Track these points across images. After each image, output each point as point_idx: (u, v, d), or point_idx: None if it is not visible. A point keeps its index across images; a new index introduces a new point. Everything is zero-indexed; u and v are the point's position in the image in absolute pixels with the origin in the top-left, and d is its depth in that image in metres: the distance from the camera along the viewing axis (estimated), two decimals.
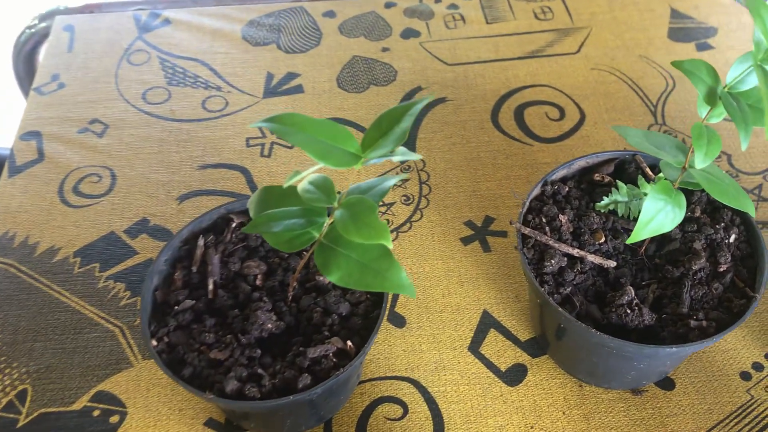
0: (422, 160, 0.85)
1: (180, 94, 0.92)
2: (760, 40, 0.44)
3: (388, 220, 0.80)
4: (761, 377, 0.67)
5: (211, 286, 0.61)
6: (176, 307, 0.60)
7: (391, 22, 1.00)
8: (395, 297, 0.74)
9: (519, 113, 0.89)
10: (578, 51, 0.95)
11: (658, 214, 0.52)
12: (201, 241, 0.63)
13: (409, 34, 0.99)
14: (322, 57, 0.96)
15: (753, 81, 0.47)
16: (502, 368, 0.69)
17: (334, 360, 0.56)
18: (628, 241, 0.53)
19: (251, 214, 0.51)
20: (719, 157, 0.83)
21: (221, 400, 0.54)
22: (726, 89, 0.47)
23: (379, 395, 0.67)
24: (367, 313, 0.60)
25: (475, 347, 0.70)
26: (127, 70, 0.95)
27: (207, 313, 0.60)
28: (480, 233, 0.78)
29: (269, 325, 0.58)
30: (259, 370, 0.56)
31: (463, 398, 0.67)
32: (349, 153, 0.44)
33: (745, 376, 0.67)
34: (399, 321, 0.72)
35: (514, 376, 0.68)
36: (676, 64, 0.47)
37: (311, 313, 0.59)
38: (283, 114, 0.42)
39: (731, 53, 0.94)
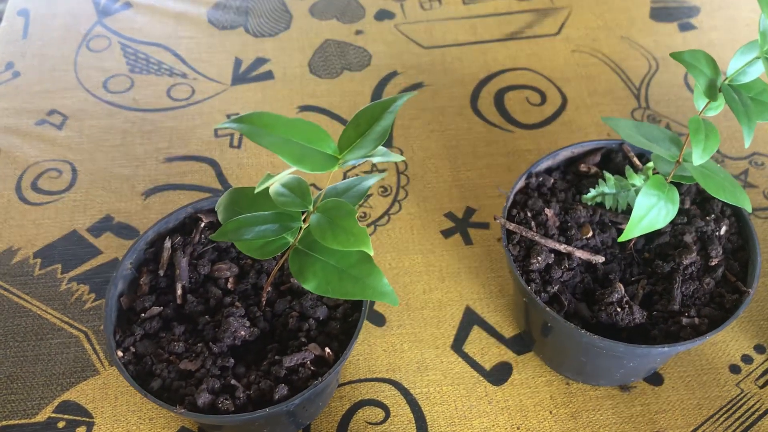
0: (399, 149, 0.81)
1: (143, 82, 0.88)
2: (767, 29, 0.41)
3: (365, 213, 0.76)
4: (751, 370, 0.65)
5: (179, 291, 0.58)
6: (143, 315, 0.57)
7: (365, 4, 0.96)
8: None
9: (499, 98, 0.86)
10: (558, 32, 0.92)
11: (650, 211, 0.49)
12: (168, 243, 0.60)
13: (383, 15, 0.95)
14: (292, 41, 0.92)
15: (755, 72, 0.44)
16: (487, 367, 0.66)
17: (312, 368, 0.53)
18: (620, 239, 0.50)
19: (220, 218, 0.48)
20: None
21: (193, 415, 0.51)
22: (727, 81, 0.44)
23: (360, 398, 0.64)
24: (345, 317, 0.57)
25: (458, 345, 0.67)
26: (87, 57, 0.90)
27: (176, 320, 0.57)
28: (461, 225, 0.75)
29: (242, 332, 0.55)
30: (233, 381, 0.53)
31: (447, 399, 0.64)
32: (325, 155, 0.40)
33: (735, 369, 0.66)
34: (379, 320, 0.69)
35: (499, 374, 0.66)
36: (675, 56, 0.44)
37: (287, 318, 0.56)
38: (253, 114, 0.38)
39: (715, 33, 0.92)
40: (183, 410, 0.51)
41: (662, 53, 0.89)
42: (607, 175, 0.60)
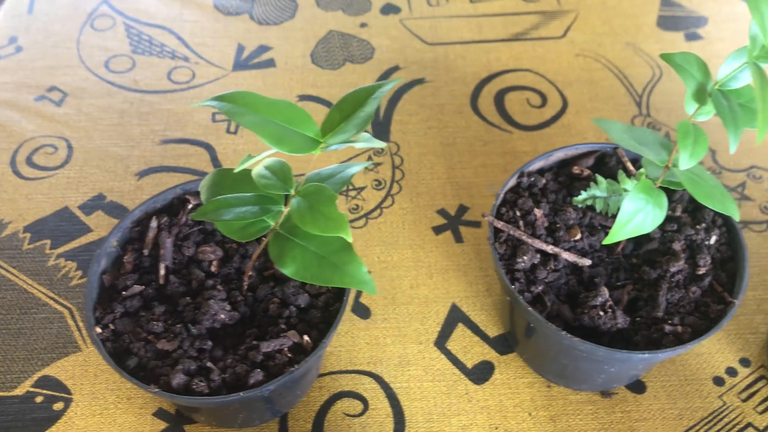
0: (396, 144, 0.81)
1: (145, 63, 0.88)
2: (756, 35, 0.41)
3: (357, 205, 0.76)
4: (735, 383, 0.65)
5: (162, 271, 0.58)
6: (124, 293, 0.56)
7: None
8: None
9: (499, 98, 0.85)
10: (564, 35, 0.92)
11: (637, 215, 0.49)
12: (154, 223, 0.59)
13: (389, 9, 0.94)
14: (296, 30, 0.92)
15: (746, 78, 0.43)
16: (469, 365, 0.66)
17: (289, 355, 0.53)
18: (605, 242, 0.50)
19: (202, 198, 0.47)
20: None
21: (166, 395, 0.51)
22: (717, 86, 0.44)
23: (339, 389, 0.64)
24: (327, 306, 0.56)
25: (441, 342, 0.67)
26: (90, 35, 0.90)
27: (157, 300, 0.57)
28: (453, 222, 0.75)
29: (222, 316, 0.54)
30: (209, 364, 0.52)
31: (427, 395, 0.64)
32: (307, 138, 0.40)
33: (719, 381, 0.65)
34: (364, 312, 0.69)
35: (481, 373, 0.65)
36: (665, 57, 0.44)
37: (268, 304, 0.56)
38: (235, 92, 0.38)
39: (721, 45, 0.91)
40: (157, 389, 0.51)
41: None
42: (600, 178, 0.60)
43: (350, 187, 0.78)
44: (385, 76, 0.87)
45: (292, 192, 0.43)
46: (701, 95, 0.43)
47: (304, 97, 0.85)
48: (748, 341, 0.67)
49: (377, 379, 0.65)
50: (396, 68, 0.88)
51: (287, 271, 0.45)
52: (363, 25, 0.93)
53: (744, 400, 0.64)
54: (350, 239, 0.41)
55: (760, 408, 0.63)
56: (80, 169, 0.78)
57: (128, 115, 0.83)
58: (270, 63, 0.88)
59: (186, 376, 0.52)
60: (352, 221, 0.75)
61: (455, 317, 0.69)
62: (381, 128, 0.82)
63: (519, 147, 0.81)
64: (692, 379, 0.65)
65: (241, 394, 0.50)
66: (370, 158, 0.80)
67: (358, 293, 0.70)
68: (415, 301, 0.70)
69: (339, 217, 0.41)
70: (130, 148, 0.80)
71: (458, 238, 0.74)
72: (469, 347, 0.67)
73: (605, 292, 0.55)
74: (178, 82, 0.86)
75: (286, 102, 0.40)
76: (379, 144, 0.40)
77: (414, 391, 0.64)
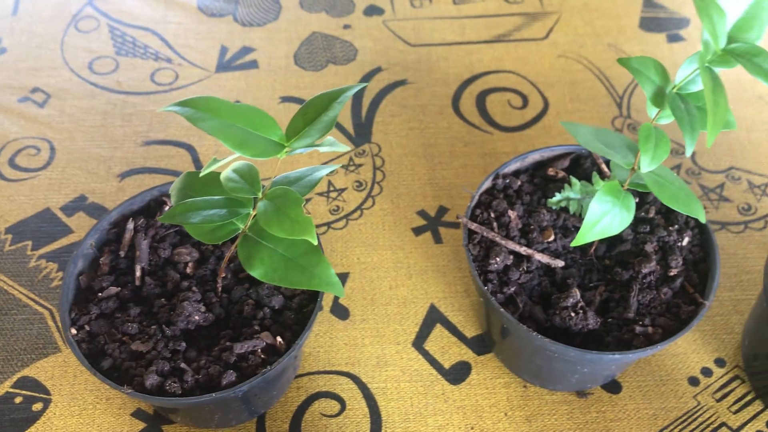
0: (377, 145, 0.81)
1: (128, 64, 0.88)
2: (708, 41, 0.41)
3: (338, 207, 0.76)
4: (709, 383, 0.65)
5: (138, 273, 0.58)
6: (100, 294, 0.57)
7: None
8: None
9: (481, 99, 0.86)
10: (546, 37, 0.92)
11: (604, 217, 0.49)
12: (130, 225, 0.60)
13: (372, 11, 0.95)
14: (280, 32, 0.92)
15: None
16: (446, 365, 0.66)
17: (263, 356, 0.53)
18: (573, 244, 0.50)
19: (173, 201, 0.48)
20: (682, 153, 0.81)
21: (140, 395, 0.51)
22: (675, 90, 0.44)
23: (317, 390, 0.64)
24: (301, 307, 0.57)
25: (419, 342, 0.68)
26: (74, 37, 0.91)
27: (133, 302, 0.57)
28: (432, 224, 0.75)
29: (196, 317, 0.55)
30: (182, 365, 0.53)
31: (404, 395, 0.64)
32: (271, 142, 0.40)
33: (694, 381, 0.65)
34: (342, 313, 0.69)
35: (458, 374, 0.66)
36: (622, 62, 0.44)
37: (242, 306, 0.56)
38: (197, 97, 0.38)
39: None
40: (130, 390, 0.51)
41: None
42: (574, 180, 0.60)
43: (331, 188, 0.78)
44: (368, 77, 0.87)
45: (260, 195, 0.44)
46: (659, 99, 0.44)
47: (286, 99, 0.85)
48: (723, 342, 0.68)
49: (355, 379, 0.65)
50: (378, 70, 0.88)
51: (255, 273, 0.45)
52: (346, 26, 0.93)
53: (718, 400, 0.64)
54: (315, 242, 0.41)
55: (734, 408, 0.64)
56: (62, 170, 0.79)
57: (111, 116, 0.83)
58: (253, 64, 0.88)
59: (159, 377, 0.52)
60: (332, 222, 0.75)
61: (433, 318, 0.69)
62: (363, 129, 0.83)
63: (499, 148, 0.81)
64: (667, 380, 0.65)
65: (214, 395, 0.51)
66: (351, 159, 0.80)
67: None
68: (394, 301, 0.70)
69: (305, 220, 0.41)
70: (112, 149, 0.80)
71: (437, 239, 0.74)
72: (446, 348, 0.67)
73: (576, 293, 0.56)
74: (161, 83, 0.86)
75: (250, 106, 0.40)
76: (343, 148, 0.40)
77: (391, 391, 0.65)
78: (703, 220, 0.50)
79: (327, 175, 0.78)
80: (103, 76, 0.87)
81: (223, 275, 0.56)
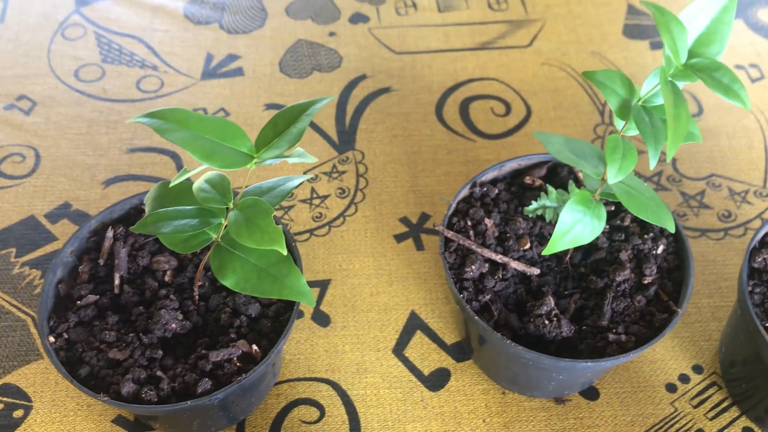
0: (361, 152, 0.82)
1: (114, 72, 0.88)
2: (669, 55, 0.42)
3: (321, 214, 0.77)
4: (687, 389, 0.66)
5: (117, 281, 0.58)
6: (79, 302, 0.57)
7: (341, 6, 0.97)
8: (321, 294, 0.71)
9: (464, 107, 0.86)
10: (530, 44, 0.93)
11: (575, 226, 0.50)
12: (110, 233, 0.60)
13: (358, 19, 0.95)
14: (265, 39, 0.93)
15: None
16: (425, 372, 0.67)
17: (238, 364, 0.54)
18: (544, 252, 0.51)
19: (147, 210, 0.48)
20: (663, 160, 0.81)
21: (115, 403, 0.52)
22: (640, 102, 0.45)
23: (296, 397, 0.65)
24: (278, 315, 0.57)
25: (399, 349, 0.68)
26: (61, 44, 0.91)
27: (111, 310, 0.58)
28: (414, 230, 0.76)
29: (173, 325, 0.55)
30: (159, 373, 0.53)
31: (383, 402, 0.65)
32: (240, 153, 0.41)
33: (671, 388, 0.66)
34: (323, 320, 0.70)
35: (437, 380, 0.66)
36: (587, 75, 0.45)
37: (219, 314, 0.57)
38: (165, 109, 0.39)
39: None
40: (106, 398, 0.52)
41: (631, 70, 0.90)
42: (550, 188, 0.61)
43: (314, 195, 0.78)
44: (352, 84, 0.88)
45: (231, 205, 0.44)
46: (624, 111, 0.44)
47: (270, 106, 0.86)
48: (701, 348, 0.68)
49: (334, 386, 0.66)
50: (363, 77, 0.89)
51: (227, 282, 0.46)
52: (332, 34, 0.93)
53: (695, 407, 0.65)
54: (285, 252, 0.41)
55: (711, 414, 0.64)
56: (47, 177, 0.79)
57: (97, 123, 0.84)
58: (238, 72, 0.89)
59: (136, 384, 0.52)
60: (314, 229, 0.76)
61: (414, 325, 0.70)
62: (347, 137, 0.83)
63: (482, 155, 0.82)
64: (645, 386, 0.66)
65: (189, 402, 0.51)
66: (334, 167, 0.80)
67: (320, 301, 0.71)
68: (375, 308, 0.71)
69: (274, 231, 0.42)
70: (97, 156, 0.81)
71: (419, 246, 0.75)
72: (426, 354, 0.68)
73: (551, 301, 0.56)
74: (147, 90, 0.87)
75: (219, 118, 0.41)
76: (311, 159, 0.41)
77: (370, 398, 0.65)
78: (672, 230, 0.51)
79: (309, 182, 0.79)
80: (89, 84, 0.87)
81: (200, 283, 0.56)
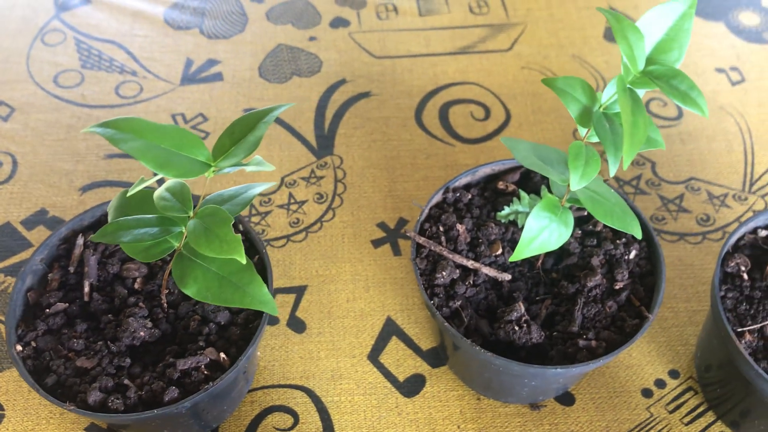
0: (339, 157, 0.82)
1: (93, 78, 0.88)
2: (626, 62, 0.41)
3: (298, 219, 0.77)
4: (663, 395, 0.65)
5: (86, 289, 0.58)
6: (48, 310, 0.57)
7: (321, 10, 0.97)
8: (297, 300, 0.71)
9: (444, 111, 0.86)
10: (510, 48, 0.92)
11: (542, 232, 0.49)
12: (80, 240, 0.60)
13: (338, 23, 0.95)
14: (245, 44, 0.92)
15: None
16: (401, 378, 0.66)
17: (206, 372, 0.54)
18: (511, 259, 0.51)
19: (109, 219, 0.48)
20: (642, 164, 0.81)
21: (82, 412, 0.51)
22: (602, 109, 0.44)
23: (271, 404, 0.65)
24: (247, 323, 0.57)
25: (374, 355, 0.68)
26: (41, 50, 0.91)
27: (80, 318, 0.57)
28: (392, 236, 0.76)
29: (142, 333, 0.55)
30: (126, 381, 0.53)
31: (357, 409, 0.65)
32: (196, 162, 0.41)
33: (647, 393, 0.66)
34: (299, 326, 0.69)
35: (412, 386, 0.66)
36: (547, 82, 0.44)
37: (189, 321, 0.56)
38: (120, 118, 0.39)
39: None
40: (72, 407, 0.51)
41: (611, 74, 0.90)
42: (522, 193, 0.60)
43: (292, 201, 0.78)
44: (332, 89, 0.88)
45: (191, 214, 0.44)
46: (585, 118, 0.44)
47: (249, 111, 0.85)
48: (678, 353, 0.68)
49: (309, 393, 0.65)
50: (343, 81, 0.89)
51: (189, 291, 0.45)
52: (312, 38, 0.93)
53: (671, 412, 0.65)
54: (244, 261, 0.41)
55: (686, 419, 0.64)
56: (24, 184, 0.79)
57: (75, 129, 0.83)
58: (217, 77, 0.89)
59: (102, 393, 0.52)
60: (291, 235, 0.76)
61: (389, 330, 0.69)
62: (325, 141, 0.83)
63: (461, 160, 0.82)
64: (621, 391, 0.66)
65: (155, 411, 0.51)
66: (312, 172, 0.80)
67: (296, 307, 0.71)
68: (351, 314, 0.70)
69: (233, 240, 0.41)
70: (75, 162, 0.81)
71: (396, 251, 0.75)
72: (401, 360, 0.67)
73: (521, 307, 0.56)
74: (126, 96, 0.87)
75: (175, 127, 0.41)
76: (269, 167, 0.41)
77: (345, 404, 0.65)
78: (639, 236, 0.50)
79: (287, 187, 0.79)
80: (68, 90, 0.87)
81: (167, 291, 0.56)
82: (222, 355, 0.54)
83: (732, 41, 0.93)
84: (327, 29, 0.94)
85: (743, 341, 0.56)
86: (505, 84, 0.89)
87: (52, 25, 0.94)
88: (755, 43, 0.93)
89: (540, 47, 0.93)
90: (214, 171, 0.41)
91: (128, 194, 0.40)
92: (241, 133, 0.41)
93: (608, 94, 0.45)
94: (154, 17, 0.95)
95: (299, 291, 0.72)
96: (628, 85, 0.42)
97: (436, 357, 0.68)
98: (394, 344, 0.69)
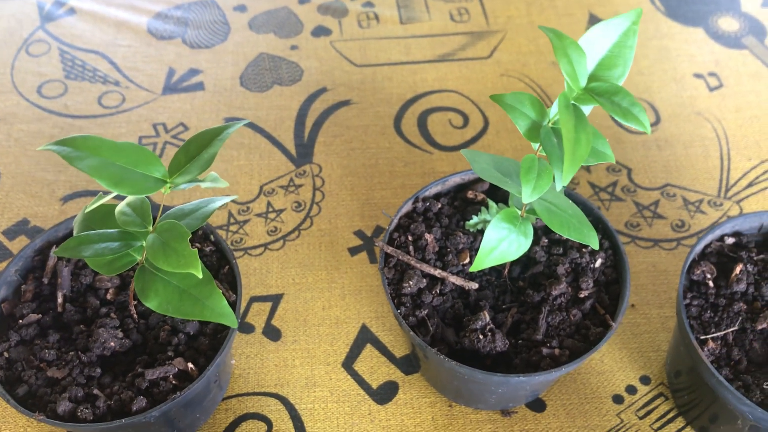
0: (318, 165, 0.83)
1: (77, 88, 0.89)
2: (568, 79, 0.42)
3: (276, 228, 0.78)
4: (633, 400, 0.66)
5: (60, 300, 0.59)
6: (21, 321, 0.58)
7: (304, 19, 0.97)
8: (273, 308, 0.72)
9: (422, 119, 0.87)
10: (490, 56, 0.93)
11: (501, 243, 0.50)
12: (54, 251, 0.61)
13: (320, 32, 0.96)
14: (227, 53, 0.93)
15: None
16: (374, 385, 0.67)
17: (174, 382, 0.54)
18: (471, 269, 0.51)
19: (74, 233, 0.49)
20: (618, 170, 0.82)
21: (51, 422, 0.52)
22: (550, 124, 0.45)
23: (244, 411, 0.65)
24: (215, 333, 0.58)
25: (349, 363, 0.68)
26: (25, 61, 0.92)
27: (53, 328, 0.58)
28: (368, 243, 0.76)
29: (112, 343, 0.56)
30: (95, 391, 0.54)
31: (330, 416, 0.65)
32: (152, 178, 0.41)
33: (618, 399, 0.66)
34: (274, 334, 0.70)
35: (385, 394, 0.67)
36: (495, 98, 0.45)
37: (159, 331, 0.57)
38: (77, 136, 0.39)
39: (645, 62, 0.92)
40: (42, 417, 0.52)
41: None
42: (491, 203, 0.61)
43: (270, 209, 0.79)
44: (312, 98, 0.89)
45: (150, 229, 0.45)
46: (533, 133, 0.45)
47: (229, 119, 0.86)
48: (650, 359, 0.69)
49: (283, 400, 0.66)
50: (323, 90, 0.89)
51: (150, 304, 0.46)
52: (293, 47, 0.94)
53: (641, 418, 0.65)
54: (201, 275, 0.42)
55: (656, 425, 0.65)
56: (6, 194, 0.80)
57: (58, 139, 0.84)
58: (199, 86, 0.90)
59: (72, 403, 0.53)
60: (269, 243, 0.77)
61: (364, 338, 0.70)
62: (304, 150, 0.84)
63: (438, 167, 0.82)
64: (592, 397, 0.66)
65: (123, 420, 0.52)
66: (291, 180, 0.81)
67: (271, 315, 0.72)
68: (327, 322, 0.71)
69: (190, 254, 0.42)
70: (57, 173, 0.82)
71: (373, 259, 0.75)
72: (375, 368, 0.68)
73: (485, 316, 0.57)
74: (108, 106, 0.88)
75: (132, 144, 0.41)
76: (223, 184, 0.41)
77: (318, 412, 0.66)
78: (596, 246, 0.51)
79: (266, 196, 0.80)
80: (52, 100, 0.88)
81: (135, 302, 0.57)
82: (190, 365, 0.55)
83: (711, 47, 0.94)
84: (309, 38, 0.95)
85: (706, 349, 0.57)
86: (483, 91, 0.89)
87: (37, 35, 0.95)
88: (734, 49, 0.93)
89: (519, 54, 0.93)
90: (170, 187, 0.42)
91: (86, 210, 0.41)
92: (196, 150, 0.42)
93: (555, 110, 0.45)
94: (137, 27, 0.96)
95: (275, 299, 0.73)
96: (573, 102, 0.42)
97: (409, 364, 0.68)
98: (369, 352, 0.69)
